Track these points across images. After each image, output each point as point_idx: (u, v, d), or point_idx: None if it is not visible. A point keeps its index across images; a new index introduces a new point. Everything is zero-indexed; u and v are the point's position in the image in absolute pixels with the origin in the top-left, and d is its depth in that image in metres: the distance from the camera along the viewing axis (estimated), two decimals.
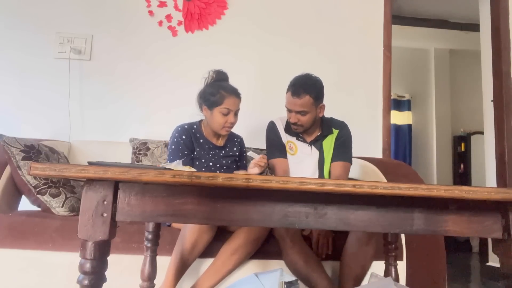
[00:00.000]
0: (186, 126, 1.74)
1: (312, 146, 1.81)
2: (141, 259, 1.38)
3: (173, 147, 1.69)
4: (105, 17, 2.56)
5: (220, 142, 1.80)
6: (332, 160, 1.79)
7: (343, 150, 1.80)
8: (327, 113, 1.88)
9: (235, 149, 1.85)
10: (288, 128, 1.82)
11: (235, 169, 1.84)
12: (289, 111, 1.73)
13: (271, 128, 1.85)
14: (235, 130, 1.83)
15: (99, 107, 2.49)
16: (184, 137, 1.70)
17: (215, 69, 1.79)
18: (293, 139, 1.82)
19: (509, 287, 0.86)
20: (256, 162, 1.65)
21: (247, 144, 1.97)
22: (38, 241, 1.51)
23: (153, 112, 2.51)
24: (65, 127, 2.42)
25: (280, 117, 1.86)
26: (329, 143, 1.81)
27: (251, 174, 1.41)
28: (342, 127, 1.84)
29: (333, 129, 1.83)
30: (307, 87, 1.68)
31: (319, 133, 1.82)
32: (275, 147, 1.81)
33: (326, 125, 1.83)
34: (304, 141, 1.82)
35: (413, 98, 5.39)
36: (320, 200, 0.84)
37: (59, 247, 1.50)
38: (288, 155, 1.81)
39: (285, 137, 1.82)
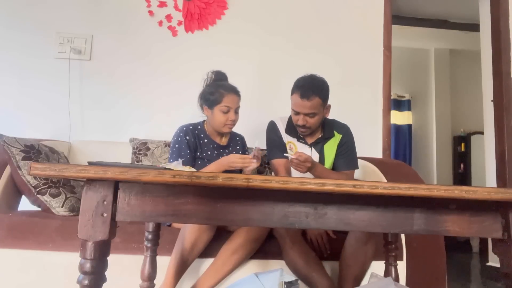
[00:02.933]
0: (190, 127, 1.75)
1: (312, 148, 1.78)
2: (141, 259, 1.38)
3: (176, 145, 1.69)
4: (105, 17, 2.56)
5: (224, 141, 1.81)
6: (339, 169, 1.77)
7: (349, 158, 1.78)
8: None
9: (238, 147, 1.86)
10: (289, 129, 1.80)
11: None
12: (297, 113, 1.68)
13: (272, 128, 1.82)
14: (235, 129, 1.83)
15: (99, 107, 2.49)
16: (188, 137, 1.71)
17: (214, 70, 1.79)
18: (294, 140, 1.80)
19: (509, 287, 0.86)
20: (254, 155, 1.57)
21: (247, 143, 1.97)
22: (38, 241, 1.51)
23: (153, 112, 2.51)
24: (65, 127, 2.42)
25: (281, 117, 1.84)
26: (330, 147, 1.78)
27: (250, 173, 1.41)
28: (345, 131, 1.81)
29: (336, 132, 1.80)
30: (315, 89, 1.64)
31: (320, 136, 1.80)
32: (276, 147, 1.78)
33: (328, 128, 1.80)
34: (305, 142, 1.79)
35: (413, 98, 5.39)
36: (320, 200, 0.84)
37: (59, 247, 1.50)
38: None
39: (286, 138, 1.80)
